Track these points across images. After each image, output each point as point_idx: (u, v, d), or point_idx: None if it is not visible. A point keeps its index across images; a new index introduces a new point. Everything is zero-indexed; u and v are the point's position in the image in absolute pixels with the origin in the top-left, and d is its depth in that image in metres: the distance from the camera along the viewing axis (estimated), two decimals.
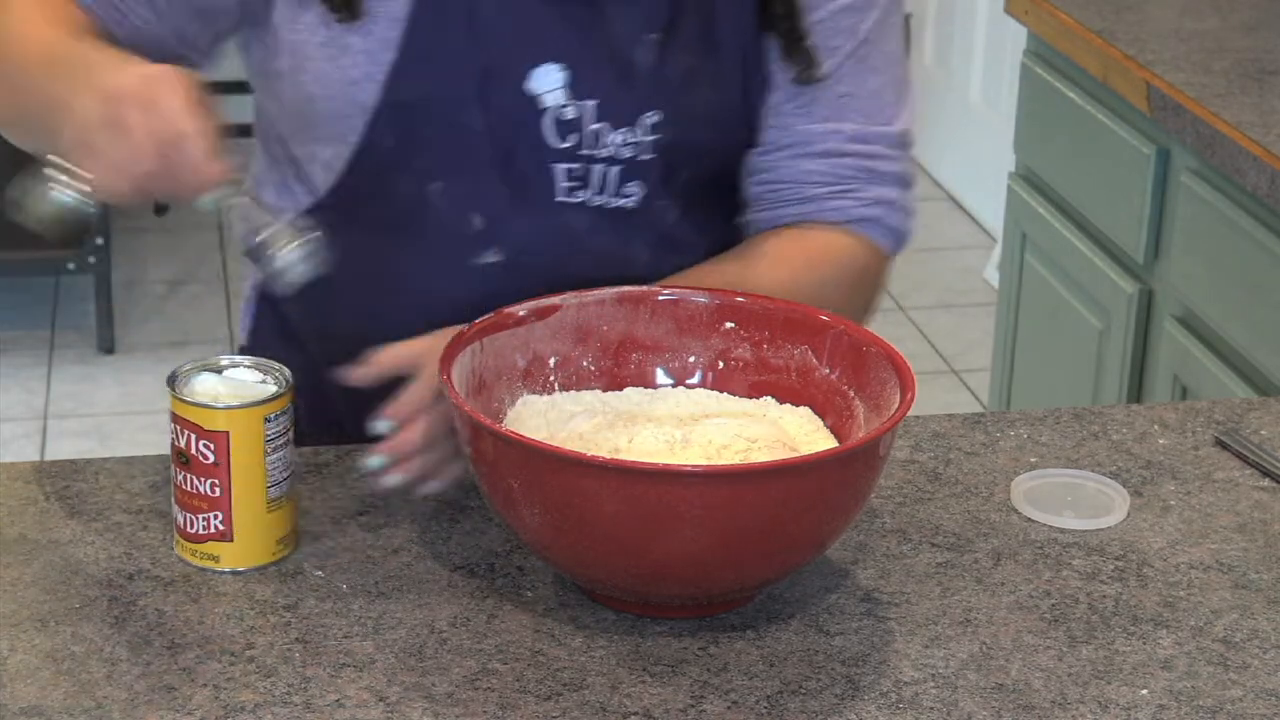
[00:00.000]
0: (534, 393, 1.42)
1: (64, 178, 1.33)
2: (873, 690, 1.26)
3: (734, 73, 1.55)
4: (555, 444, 1.31)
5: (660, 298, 1.46)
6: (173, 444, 1.36)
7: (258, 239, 1.35)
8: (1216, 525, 1.47)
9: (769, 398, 1.44)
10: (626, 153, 1.52)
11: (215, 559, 1.36)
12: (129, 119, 1.31)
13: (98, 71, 1.36)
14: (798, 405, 1.43)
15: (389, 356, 1.42)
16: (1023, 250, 2.99)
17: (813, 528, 1.28)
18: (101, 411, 3.86)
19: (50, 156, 1.34)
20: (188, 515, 1.36)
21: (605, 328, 1.45)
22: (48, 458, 3.46)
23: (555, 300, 1.44)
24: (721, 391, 1.45)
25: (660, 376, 1.46)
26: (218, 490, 1.34)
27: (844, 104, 1.57)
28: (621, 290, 1.45)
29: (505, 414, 1.40)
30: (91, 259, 4.01)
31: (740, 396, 1.44)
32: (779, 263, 1.56)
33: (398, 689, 1.24)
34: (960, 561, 1.41)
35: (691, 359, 1.46)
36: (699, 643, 1.30)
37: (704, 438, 1.36)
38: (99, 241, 4.01)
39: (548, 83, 1.50)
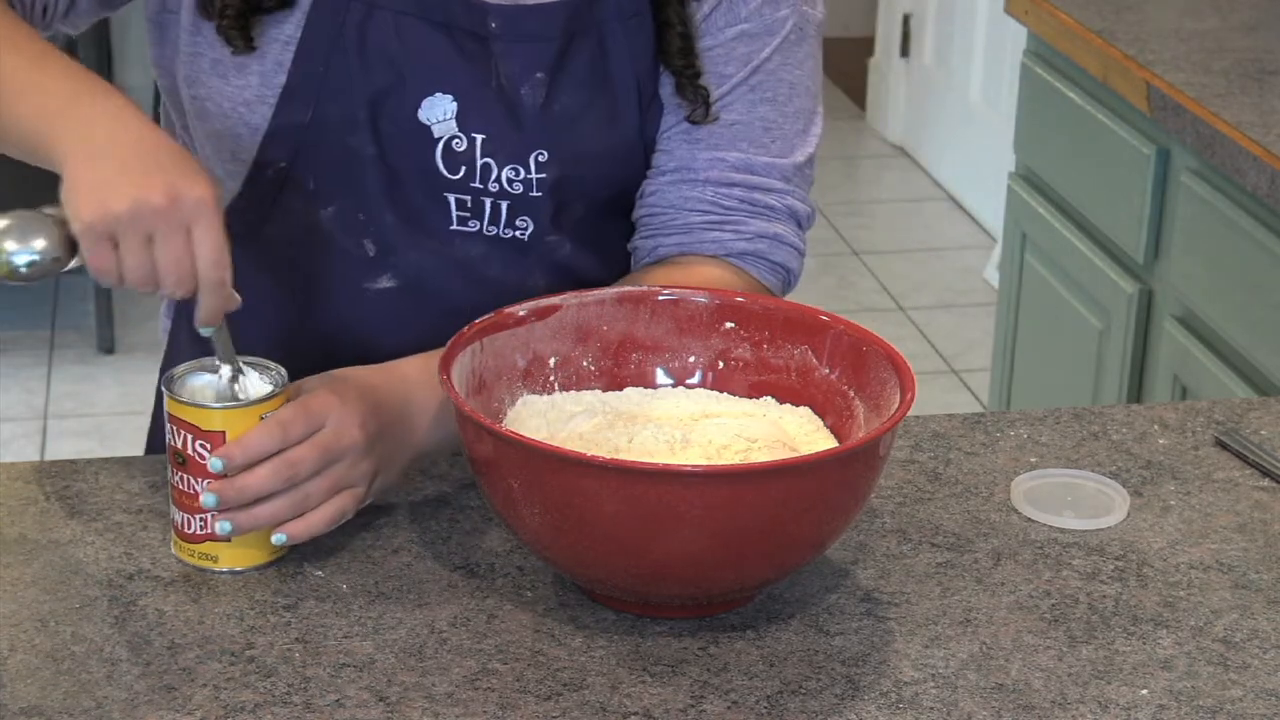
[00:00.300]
0: (534, 393, 1.42)
1: (46, 243, 1.31)
2: (873, 690, 1.26)
3: (629, 107, 1.53)
4: (555, 444, 1.31)
5: (660, 298, 1.46)
6: (169, 444, 1.35)
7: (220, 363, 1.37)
8: (1216, 525, 1.47)
9: (769, 398, 1.44)
10: (515, 189, 1.51)
11: (213, 559, 1.36)
12: (166, 237, 1.29)
13: (93, 115, 1.32)
14: (798, 405, 1.43)
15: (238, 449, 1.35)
16: (1023, 250, 2.99)
17: (813, 528, 1.28)
18: (101, 411, 3.86)
19: (48, 211, 1.31)
20: (185, 515, 1.36)
21: (605, 328, 1.45)
22: (48, 458, 3.46)
23: (555, 300, 1.44)
24: (721, 391, 1.45)
25: (660, 376, 1.46)
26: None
27: (732, 133, 1.54)
28: (622, 290, 1.45)
29: (505, 414, 1.40)
30: None
31: (740, 396, 1.44)
32: None
33: (398, 689, 1.24)
34: (960, 561, 1.41)
35: (691, 359, 1.46)
36: (699, 643, 1.30)
37: (704, 438, 1.36)
38: None
39: (438, 112, 1.49)
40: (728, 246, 1.55)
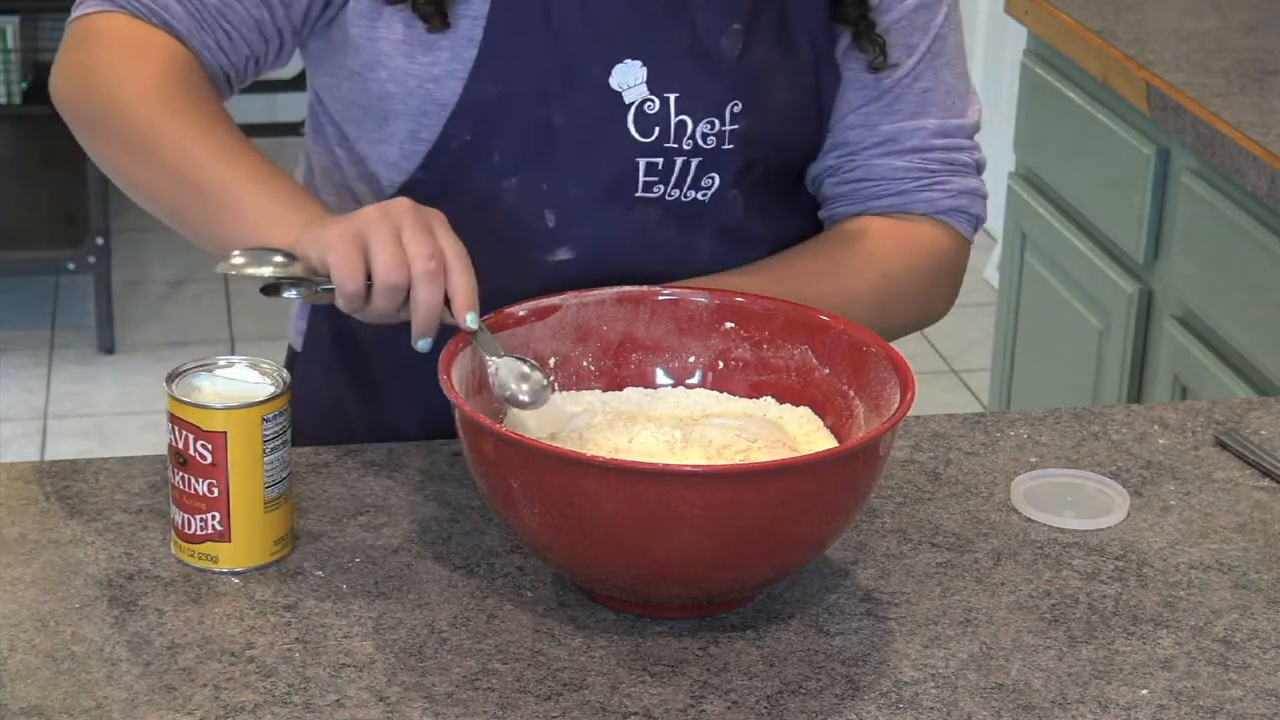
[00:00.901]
0: None
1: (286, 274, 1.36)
2: (873, 690, 1.26)
3: (808, 67, 1.56)
4: (555, 444, 1.31)
5: (660, 298, 1.46)
6: (170, 444, 1.36)
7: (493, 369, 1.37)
8: (1216, 525, 1.47)
9: (769, 398, 1.44)
10: (709, 144, 1.53)
11: (213, 559, 1.36)
12: (415, 227, 1.33)
13: (310, 212, 1.39)
14: (798, 405, 1.43)
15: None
16: (1023, 250, 3.00)
17: (813, 528, 1.28)
18: (101, 411, 3.86)
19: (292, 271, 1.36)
20: (185, 516, 1.36)
21: (605, 328, 1.45)
22: (48, 458, 3.46)
23: (555, 300, 1.44)
24: (721, 391, 1.45)
25: (660, 376, 1.46)
26: (215, 491, 1.34)
27: (926, 100, 1.60)
28: (621, 290, 1.46)
29: (505, 414, 1.40)
30: (91, 259, 4.01)
31: (740, 396, 1.44)
32: (875, 252, 1.59)
33: (398, 689, 1.24)
34: (960, 561, 1.41)
35: (691, 359, 1.46)
36: (699, 643, 1.30)
37: (704, 438, 1.36)
38: (99, 241, 4.01)
39: (629, 78, 1.51)
40: (937, 204, 1.62)
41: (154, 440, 3.64)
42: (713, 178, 1.54)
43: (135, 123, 1.46)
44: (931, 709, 1.24)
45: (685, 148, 1.53)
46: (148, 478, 1.48)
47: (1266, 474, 1.54)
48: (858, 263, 1.58)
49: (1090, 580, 1.39)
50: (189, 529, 1.36)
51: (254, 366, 1.38)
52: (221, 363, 1.38)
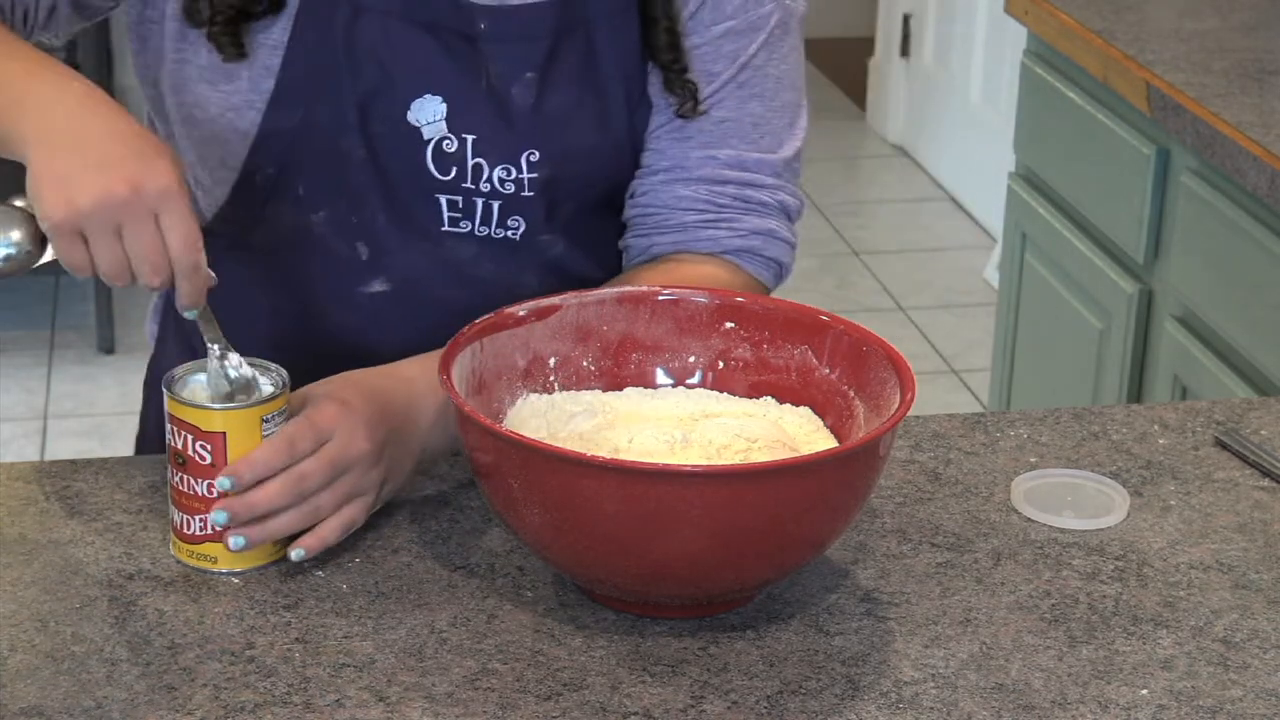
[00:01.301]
0: (534, 393, 1.42)
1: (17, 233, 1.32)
2: (873, 690, 1.26)
3: (618, 105, 1.53)
4: (555, 444, 1.31)
5: (660, 298, 1.46)
6: (169, 445, 1.35)
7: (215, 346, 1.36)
8: (1216, 525, 1.47)
9: (769, 398, 1.44)
10: (507, 189, 1.51)
11: (212, 560, 1.36)
12: (135, 227, 1.28)
13: (52, 102, 1.31)
14: (798, 405, 1.43)
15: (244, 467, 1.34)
16: (1023, 250, 2.99)
17: (813, 528, 1.28)
18: (101, 411, 3.86)
19: (17, 203, 1.31)
20: (184, 516, 1.36)
21: (605, 328, 1.45)
22: (48, 458, 3.46)
23: (555, 300, 1.44)
24: (721, 391, 1.45)
25: (660, 376, 1.46)
26: (215, 491, 1.34)
27: (723, 130, 1.55)
28: (622, 290, 1.45)
29: (505, 414, 1.40)
30: None
31: (740, 396, 1.44)
32: None
33: (398, 689, 1.24)
34: (960, 561, 1.41)
35: (691, 359, 1.46)
36: (699, 643, 1.30)
37: (704, 438, 1.36)
38: None
39: (428, 114, 1.49)
40: (723, 244, 1.56)
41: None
42: (518, 219, 1.53)
43: None
44: (931, 709, 1.24)
45: (483, 190, 1.51)
46: (147, 478, 1.48)
47: (1266, 474, 1.54)
48: None
49: (1090, 580, 1.39)
50: (188, 529, 1.36)
51: (253, 366, 1.38)
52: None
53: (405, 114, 1.49)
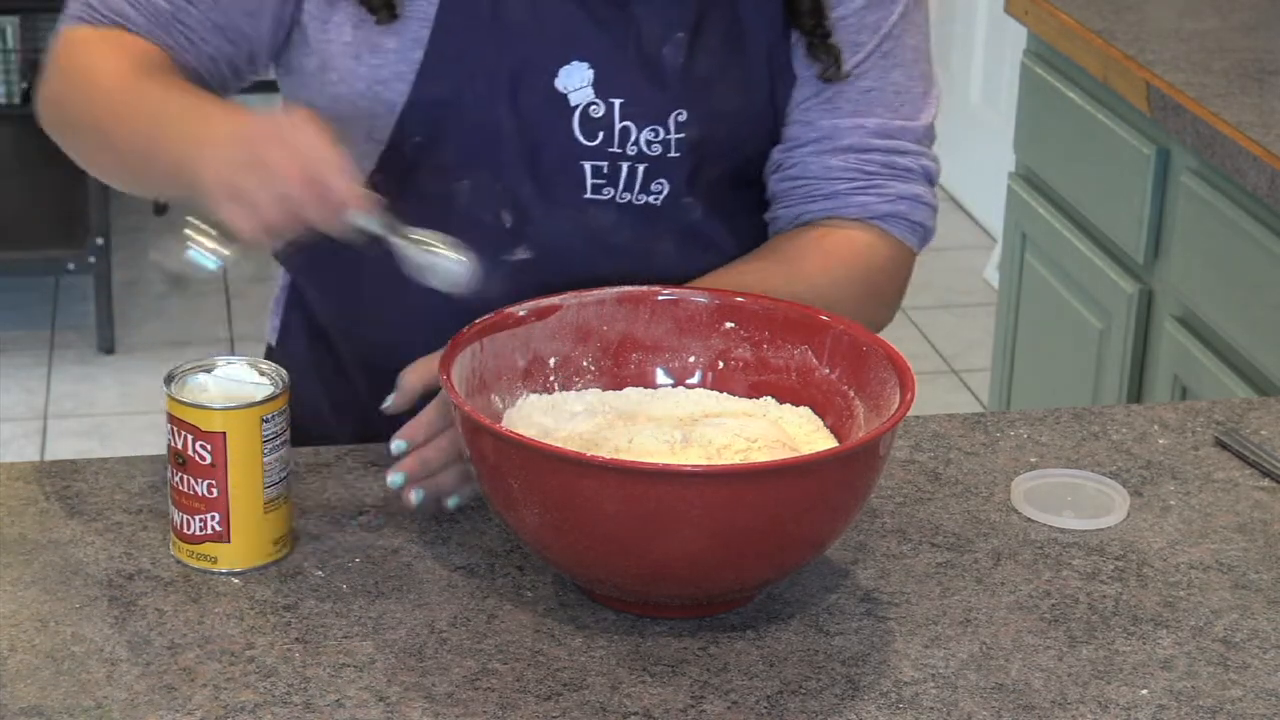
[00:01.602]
0: (534, 393, 1.42)
1: (203, 239, 1.34)
2: (873, 690, 1.26)
3: (760, 71, 1.55)
4: (555, 444, 1.31)
5: (660, 298, 1.46)
6: (169, 445, 1.36)
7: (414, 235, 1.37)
8: (1216, 525, 1.47)
9: (769, 398, 1.44)
10: (653, 150, 1.53)
11: (212, 560, 1.36)
12: (270, 157, 1.32)
13: (215, 121, 1.38)
14: (797, 405, 1.43)
15: (415, 377, 1.42)
16: (1023, 250, 2.99)
17: (813, 528, 1.28)
18: (101, 411, 3.86)
19: (189, 218, 1.35)
20: (184, 516, 1.36)
21: (605, 328, 1.45)
22: (48, 458, 3.46)
23: (555, 300, 1.44)
24: (721, 391, 1.45)
25: (660, 376, 1.46)
26: (214, 491, 1.34)
27: (869, 99, 1.58)
28: (621, 290, 1.46)
29: (505, 414, 1.40)
30: (91, 259, 4.01)
31: (740, 396, 1.44)
32: (797, 264, 1.56)
33: (398, 689, 1.24)
34: (960, 561, 1.41)
35: (691, 359, 1.46)
36: (699, 643, 1.30)
37: (704, 438, 1.36)
38: (99, 241, 4.01)
39: (575, 80, 1.50)
40: (872, 209, 1.59)
41: (154, 440, 3.64)
42: (661, 183, 1.54)
43: (99, 95, 1.49)
44: (931, 709, 1.24)
45: (630, 153, 1.52)
46: (147, 478, 1.48)
47: (1266, 474, 1.54)
48: (776, 279, 1.54)
49: (1090, 580, 1.39)
50: (188, 529, 1.36)
51: (253, 366, 1.38)
52: (221, 363, 1.38)
53: (552, 81, 1.50)
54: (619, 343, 1.45)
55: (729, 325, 1.45)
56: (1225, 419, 1.62)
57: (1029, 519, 1.46)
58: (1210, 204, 2.44)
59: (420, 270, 1.36)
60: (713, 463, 1.32)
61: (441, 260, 1.36)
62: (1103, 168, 2.71)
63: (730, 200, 1.59)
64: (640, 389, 1.45)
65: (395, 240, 1.36)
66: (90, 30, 1.53)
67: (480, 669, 1.27)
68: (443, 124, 1.51)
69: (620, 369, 1.45)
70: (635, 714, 1.23)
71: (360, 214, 1.34)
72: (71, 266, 4.03)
